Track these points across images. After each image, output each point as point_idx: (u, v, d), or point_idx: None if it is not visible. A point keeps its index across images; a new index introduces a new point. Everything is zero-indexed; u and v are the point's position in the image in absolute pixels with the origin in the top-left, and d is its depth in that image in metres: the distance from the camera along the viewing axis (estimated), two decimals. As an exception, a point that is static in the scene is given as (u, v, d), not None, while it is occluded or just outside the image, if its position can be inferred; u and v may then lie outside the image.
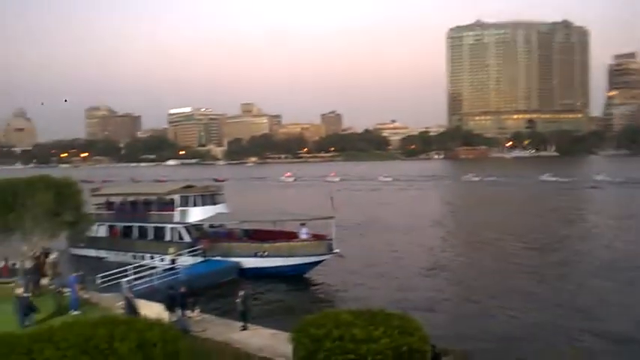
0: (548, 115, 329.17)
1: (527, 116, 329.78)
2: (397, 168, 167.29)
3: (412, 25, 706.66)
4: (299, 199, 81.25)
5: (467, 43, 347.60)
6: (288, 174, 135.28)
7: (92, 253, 36.43)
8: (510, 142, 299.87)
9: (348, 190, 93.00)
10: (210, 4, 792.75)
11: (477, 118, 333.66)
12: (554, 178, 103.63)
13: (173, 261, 29.17)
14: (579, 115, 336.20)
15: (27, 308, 16.61)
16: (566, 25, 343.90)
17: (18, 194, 24.88)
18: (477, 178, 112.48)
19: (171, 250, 29.80)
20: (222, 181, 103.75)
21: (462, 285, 28.35)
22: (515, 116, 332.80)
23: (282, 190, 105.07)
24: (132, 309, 17.61)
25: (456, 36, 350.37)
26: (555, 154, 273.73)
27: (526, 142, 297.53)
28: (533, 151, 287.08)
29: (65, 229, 26.69)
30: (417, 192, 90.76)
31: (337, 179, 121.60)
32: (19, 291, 17.23)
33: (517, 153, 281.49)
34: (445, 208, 66.86)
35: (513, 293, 25.97)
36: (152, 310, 19.03)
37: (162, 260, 30.19)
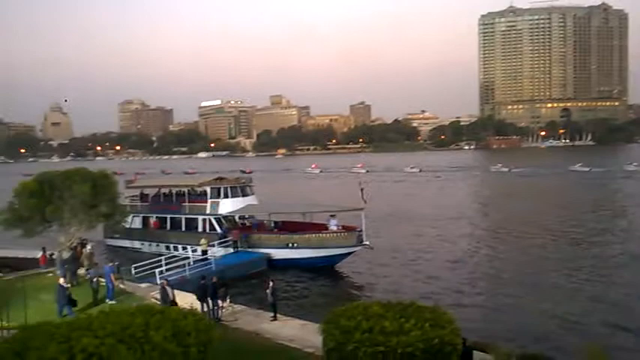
0: (584, 104, 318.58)
1: (562, 105, 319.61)
2: (425, 159, 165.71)
3: (442, 12, 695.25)
4: (324, 190, 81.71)
5: (499, 30, 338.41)
6: (314, 165, 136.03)
7: (127, 243, 37.39)
8: (544, 132, 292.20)
9: (374, 181, 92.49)
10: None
11: (510, 107, 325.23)
12: (585, 168, 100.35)
13: (204, 252, 29.63)
14: (617, 103, 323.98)
15: (67, 299, 17.07)
16: (604, 8, 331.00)
17: (55, 187, 25.68)
18: (505, 169, 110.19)
19: (202, 241, 30.26)
20: (250, 172, 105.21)
21: (492, 278, 27.87)
22: (550, 105, 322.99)
23: (308, 181, 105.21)
24: (167, 299, 17.92)
25: (488, 22, 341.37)
26: (591, 143, 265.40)
27: (561, 132, 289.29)
28: (568, 140, 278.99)
29: (101, 221, 27.43)
30: (442, 183, 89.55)
31: (364, 170, 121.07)
32: (61, 281, 17.77)
33: (551, 143, 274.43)
34: (471, 200, 65.39)
35: (544, 286, 25.43)
36: (184, 299, 19.41)
37: (194, 251, 30.76)
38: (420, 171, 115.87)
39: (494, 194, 72.51)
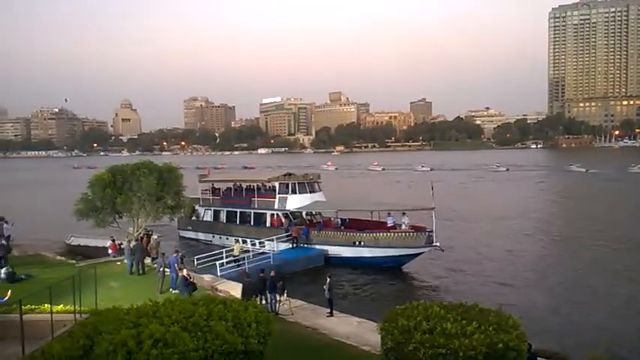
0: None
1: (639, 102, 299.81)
2: (459, 157, 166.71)
3: (510, 5, 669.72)
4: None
5: (571, 24, 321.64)
6: (329, 163, 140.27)
7: (199, 236, 38.66)
8: (618, 131, 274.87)
9: (385, 179, 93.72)
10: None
11: (582, 104, 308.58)
12: (582, 169, 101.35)
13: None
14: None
15: (188, 286, 18.58)
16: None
17: (126, 178, 26.93)
18: (503, 168, 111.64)
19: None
20: (252, 168, 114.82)
21: (563, 282, 26.53)
22: (626, 102, 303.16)
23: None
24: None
25: (559, 16, 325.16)
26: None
27: (637, 131, 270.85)
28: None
29: (167, 212, 28.46)
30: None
31: (379, 169, 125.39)
32: (184, 272, 19.26)
33: (625, 142, 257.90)
34: (524, 200, 62.72)
35: (620, 296, 23.94)
36: (233, 289, 19.86)
37: (261, 245, 31.27)
38: (431, 169, 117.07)
39: (554, 196, 69.18)
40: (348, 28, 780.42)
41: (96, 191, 26.45)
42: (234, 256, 27.34)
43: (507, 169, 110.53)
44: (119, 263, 25.13)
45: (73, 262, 26.74)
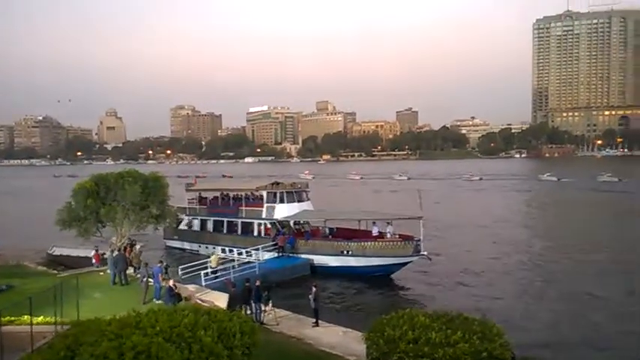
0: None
1: (622, 112, 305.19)
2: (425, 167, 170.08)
3: (495, 17, 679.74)
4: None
5: (555, 34, 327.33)
6: (307, 172, 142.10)
7: (185, 245, 38.15)
8: (600, 141, 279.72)
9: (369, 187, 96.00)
10: (291, 5, 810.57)
11: (565, 114, 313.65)
12: (553, 178, 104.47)
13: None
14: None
15: (174, 299, 18.40)
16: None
17: (110, 188, 26.67)
18: (476, 178, 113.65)
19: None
20: (230, 177, 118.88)
21: (546, 291, 26.72)
22: (608, 112, 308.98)
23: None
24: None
25: (543, 27, 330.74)
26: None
27: (619, 140, 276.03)
28: (626, 150, 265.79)
29: (151, 222, 28.17)
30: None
31: (358, 177, 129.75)
32: (171, 282, 19.12)
33: (607, 152, 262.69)
34: (496, 209, 63.44)
35: (602, 302, 24.20)
36: (218, 300, 19.70)
37: (248, 254, 30.98)
38: (409, 179, 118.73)
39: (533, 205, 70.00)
40: (335, 37, 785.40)
41: (79, 200, 26.14)
42: (212, 268, 26.39)
43: (480, 179, 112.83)
44: (102, 274, 24.80)
45: (55, 272, 26.32)
